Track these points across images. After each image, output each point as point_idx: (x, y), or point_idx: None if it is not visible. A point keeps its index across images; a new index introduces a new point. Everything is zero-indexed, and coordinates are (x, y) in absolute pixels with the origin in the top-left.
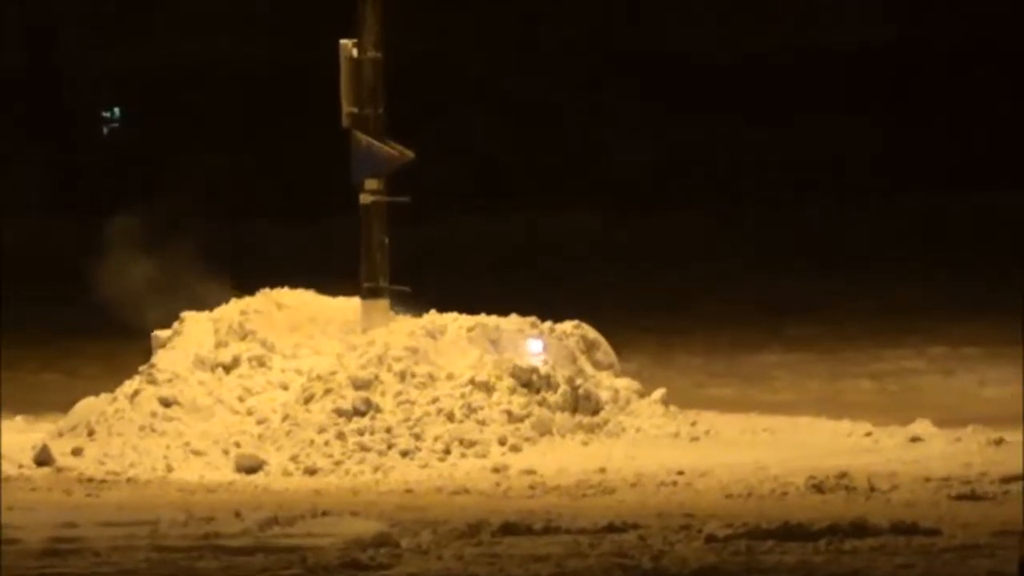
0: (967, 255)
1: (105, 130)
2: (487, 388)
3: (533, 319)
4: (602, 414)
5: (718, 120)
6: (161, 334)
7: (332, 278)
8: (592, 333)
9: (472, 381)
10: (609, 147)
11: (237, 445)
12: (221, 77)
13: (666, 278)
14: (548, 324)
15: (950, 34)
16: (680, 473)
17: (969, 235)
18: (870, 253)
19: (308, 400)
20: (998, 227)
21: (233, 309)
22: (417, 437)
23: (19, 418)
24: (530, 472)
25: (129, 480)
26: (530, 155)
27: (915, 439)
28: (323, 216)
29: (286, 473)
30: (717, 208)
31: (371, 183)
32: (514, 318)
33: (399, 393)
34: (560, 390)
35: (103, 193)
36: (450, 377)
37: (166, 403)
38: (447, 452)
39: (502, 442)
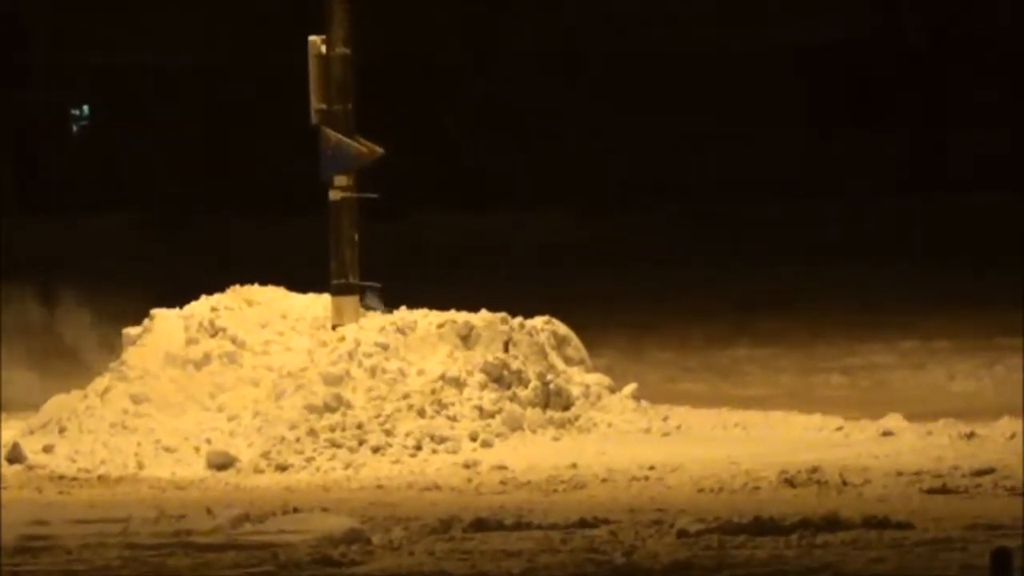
0: (938, 251)
1: (74, 128)
2: (458, 384)
3: (503, 315)
4: (573, 409)
5: (690, 119)
6: (131, 331)
7: (302, 275)
8: (563, 328)
9: (443, 377)
10: (581, 147)
11: (208, 442)
12: (187, 76)
13: (636, 275)
14: (519, 320)
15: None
16: (651, 468)
17: (940, 233)
18: (839, 249)
19: (279, 396)
20: (970, 225)
21: (203, 306)
22: (388, 433)
23: None
24: (501, 468)
25: (100, 477)
26: (501, 153)
27: (886, 433)
28: (292, 213)
29: (257, 470)
30: (687, 206)
31: (340, 179)
32: (484, 314)
33: (370, 389)
34: (531, 386)
35: (72, 192)
36: (421, 373)
37: (137, 400)
38: (418, 448)
39: (473, 438)
